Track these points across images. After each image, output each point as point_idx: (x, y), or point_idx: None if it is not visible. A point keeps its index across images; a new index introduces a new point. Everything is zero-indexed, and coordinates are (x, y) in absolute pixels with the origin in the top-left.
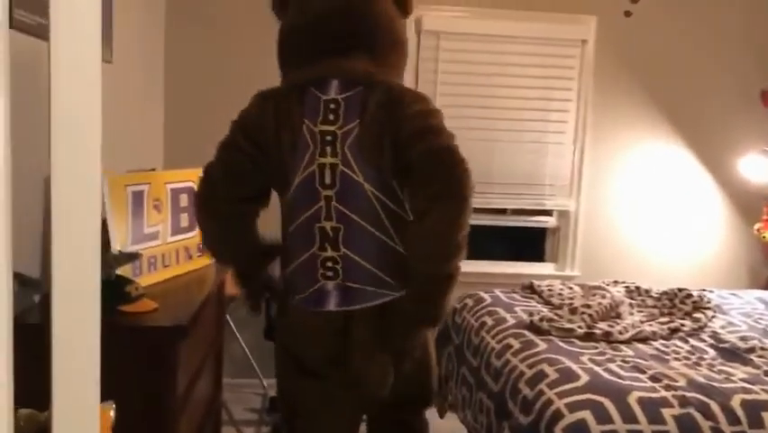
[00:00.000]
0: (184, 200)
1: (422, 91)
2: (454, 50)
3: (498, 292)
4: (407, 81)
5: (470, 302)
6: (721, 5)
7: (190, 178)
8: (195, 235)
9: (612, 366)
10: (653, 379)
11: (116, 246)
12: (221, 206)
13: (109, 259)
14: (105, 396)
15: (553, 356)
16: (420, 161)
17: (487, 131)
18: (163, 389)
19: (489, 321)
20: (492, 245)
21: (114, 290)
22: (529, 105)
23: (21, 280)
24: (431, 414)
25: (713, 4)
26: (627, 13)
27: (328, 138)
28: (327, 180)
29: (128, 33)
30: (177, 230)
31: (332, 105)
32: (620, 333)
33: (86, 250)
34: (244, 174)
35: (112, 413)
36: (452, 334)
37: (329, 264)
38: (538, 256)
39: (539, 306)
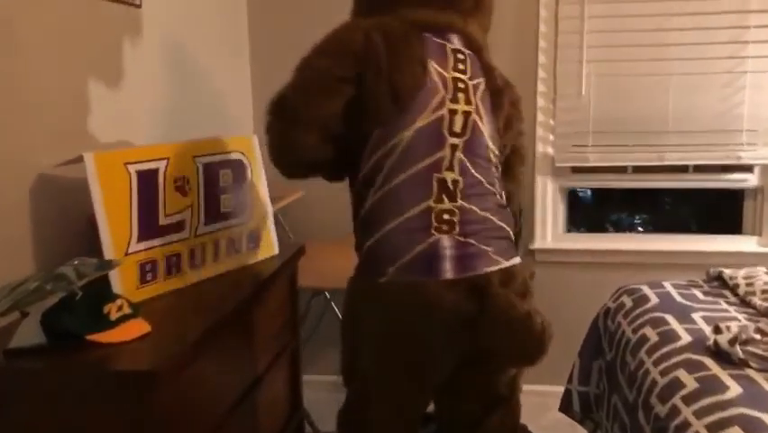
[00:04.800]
0: (227, 178)
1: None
2: None
3: (668, 287)
4: None
5: (627, 302)
6: None
7: (236, 147)
8: (242, 223)
9: None
10: None
11: (109, 251)
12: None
13: (67, 273)
14: None
15: (748, 413)
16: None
17: (657, 62)
18: None
19: (653, 336)
20: (669, 214)
21: (83, 312)
22: (716, 23)
23: None
24: None
25: None
26: None
27: (460, 85)
28: (457, 128)
29: None
30: (214, 217)
31: (459, 56)
32: None
33: None
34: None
35: None
36: (603, 343)
37: (445, 217)
38: (733, 227)
39: (732, 310)
